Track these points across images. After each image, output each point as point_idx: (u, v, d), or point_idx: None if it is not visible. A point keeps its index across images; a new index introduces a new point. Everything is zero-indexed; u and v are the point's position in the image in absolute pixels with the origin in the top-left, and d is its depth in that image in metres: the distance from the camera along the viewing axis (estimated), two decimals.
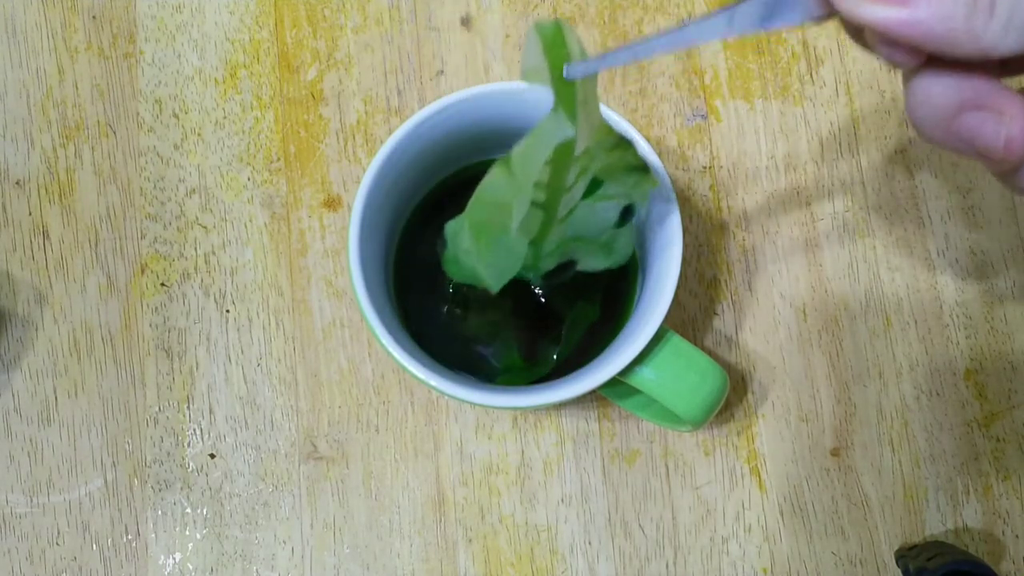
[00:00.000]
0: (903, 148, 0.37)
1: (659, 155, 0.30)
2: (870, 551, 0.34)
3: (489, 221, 0.26)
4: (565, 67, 0.22)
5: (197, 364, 0.35)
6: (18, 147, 0.37)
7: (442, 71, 0.38)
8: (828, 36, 0.38)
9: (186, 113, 0.37)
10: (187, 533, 0.34)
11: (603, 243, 0.29)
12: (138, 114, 0.37)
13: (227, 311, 0.36)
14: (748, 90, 0.38)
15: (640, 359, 0.28)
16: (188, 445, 0.35)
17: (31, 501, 0.34)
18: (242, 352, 0.35)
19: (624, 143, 0.25)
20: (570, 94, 0.22)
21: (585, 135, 0.23)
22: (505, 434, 0.35)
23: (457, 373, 0.30)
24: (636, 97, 0.37)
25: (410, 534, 0.34)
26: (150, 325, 0.36)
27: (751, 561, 0.34)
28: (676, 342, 0.29)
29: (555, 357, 0.32)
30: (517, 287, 0.33)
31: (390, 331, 0.28)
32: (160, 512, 0.34)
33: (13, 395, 0.35)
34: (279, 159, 0.37)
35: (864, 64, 0.38)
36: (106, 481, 0.35)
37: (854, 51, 0.38)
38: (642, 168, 0.26)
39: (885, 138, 0.37)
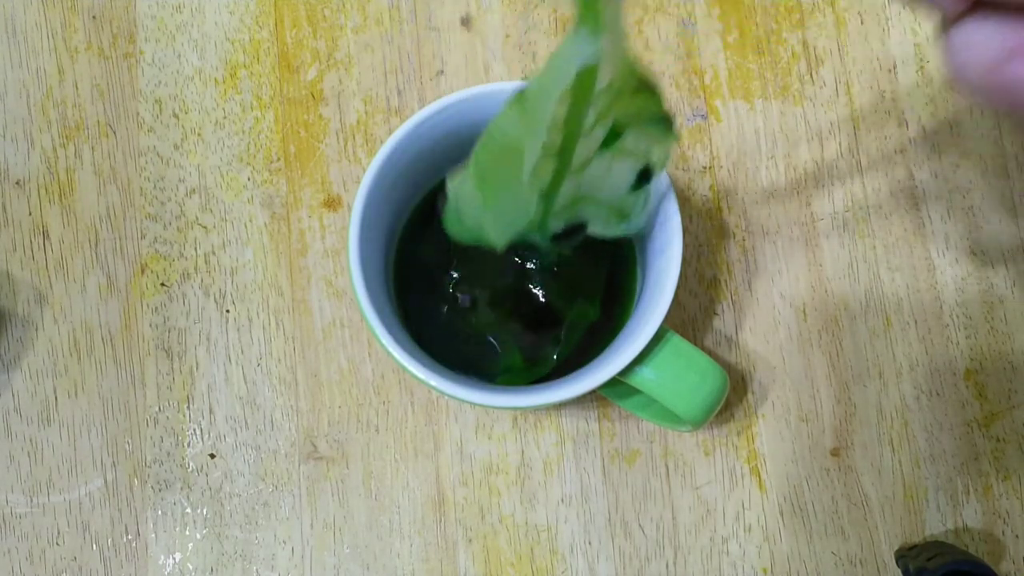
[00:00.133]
0: (903, 148, 0.37)
1: None
2: (870, 551, 0.34)
3: (497, 167, 0.24)
4: None
5: (197, 364, 0.35)
6: (18, 147, 0.37)
7: (442, 71, 0.38)
8: (828, 36, 0.38)
9: (186, 113, 0.37)
10: (187, 533, 0.34)
11: (617, 207, 0.27)
12: (138, 114, 0.37)
13: (227, 311, 0.36)
14: (748, 90, 0.38)
15: (640, 359, 0.28)
16: (188, 445, 0.35)
17: (31, 501, 0.34)
18: (242, 352, 0.35)
19: (649, 87, 0.23)
20: (595, 4, 0.19)
21: (610, 61, 0.21)
22: (505, 434, 0.35)
23: (457, 373, 0.30)
24: None
25: (410, 534, 0.34)
26: (150, 325, 0.36)
27: (751, 561, 0.34)
28: (676, 342, 0.29)
29: (555, 357, 0.32)
30: (517, 292, 0.33)
31: (390, 331, 0.28)
32: (160, 512, 0.34)
33: (13, 395, 0.35)
34: (279, 159, 0.37)
35: (864, 64, 0.38)
36: (106, 481, 0.35)
37: (854, 51, 0.38)
38: (665, 120, 0.24)
39: (885, 138, 0.37)
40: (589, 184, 0.25)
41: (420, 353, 0.29)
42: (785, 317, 0.36)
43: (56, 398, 0.35)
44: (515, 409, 0.34)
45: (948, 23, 0.19)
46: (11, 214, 0.37)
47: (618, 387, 0.31)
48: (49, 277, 0.36)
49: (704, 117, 0.37)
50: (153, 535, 0.34)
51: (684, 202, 0.36)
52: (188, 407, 0.35)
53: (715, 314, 0.36)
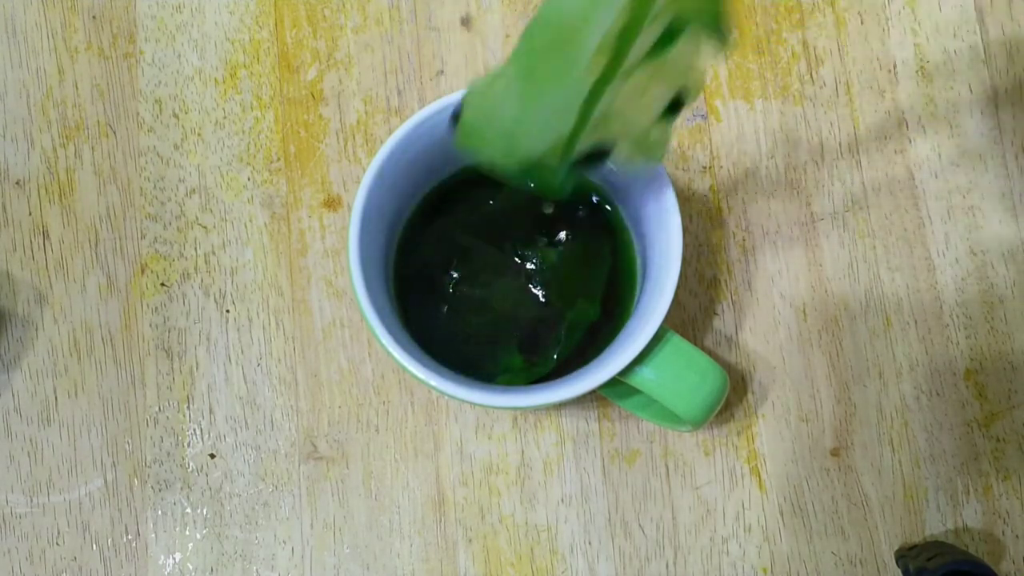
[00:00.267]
0: (903, 148, 0.37)
1: None
2: (870, 551, 0.34)
3: (548, 55, 0.22)
4: None
5: (197, 364, 0.35)
6: (18, 147, 0.37)
7: (442, 71, 0.38)
8: (828, 36, 0.38)
9: (186, 113, 0.37)
10: (187, 533, 0.34)
11: (642, 135, 0.26)
12: (138, 114, 0.37)
13: (227, 311, 0.36)
14: (748, 90, 0.38)
15: (640, 359, 0.28)
16: (188, 445, 0.35)
17: (31, 501, 0.34)
18: (242, 352, 0.35)
19: None
20: None
21: None
22: (505, 434, 0.35)
23: (457, 373, 0.30)
24: None
25: (410, 534, 0.34)
26: (150, 325, 0.36)
27: (751, 561, 0.34)
28: (676, 342, 0.29)
29: (555, 357, 0.32)
30: (517, 292, 0.33)
31: (390, 331, 0.28)
32: (160, 512, 0.34)
33: (13, 395, 0.35)
34: (279, 159, 0.37)
35: (864, 64, 0.38)
36: (106, 481, 0.35)
37: (854, 51, 0.38)
38: (723, 23, 0.23)
39: (885, 138, 0.37)
40: (624, 101, 0.24)
41: (420, 353, 0.29)
42: (785, 317, 0.36)
43: (56, 398, 0.35)
44: (515, 409, 0.34)
45: None
46: (11, 214, 0.37)
47: (618, 387, 0.31)
48: (49, 277, 0.36)
49: (704, 117, 0.37)
50: (153, 535, 0.34)
51: (684, 202, 0.36)
52: (188, 407, 0.35)
53: (715, 314, 0.36)
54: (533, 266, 0.33)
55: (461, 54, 0.38)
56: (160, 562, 0.34)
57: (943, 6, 0.38)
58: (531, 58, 0.22)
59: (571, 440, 0.35)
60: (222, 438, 0.35)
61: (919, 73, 0.38)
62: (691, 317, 0.36)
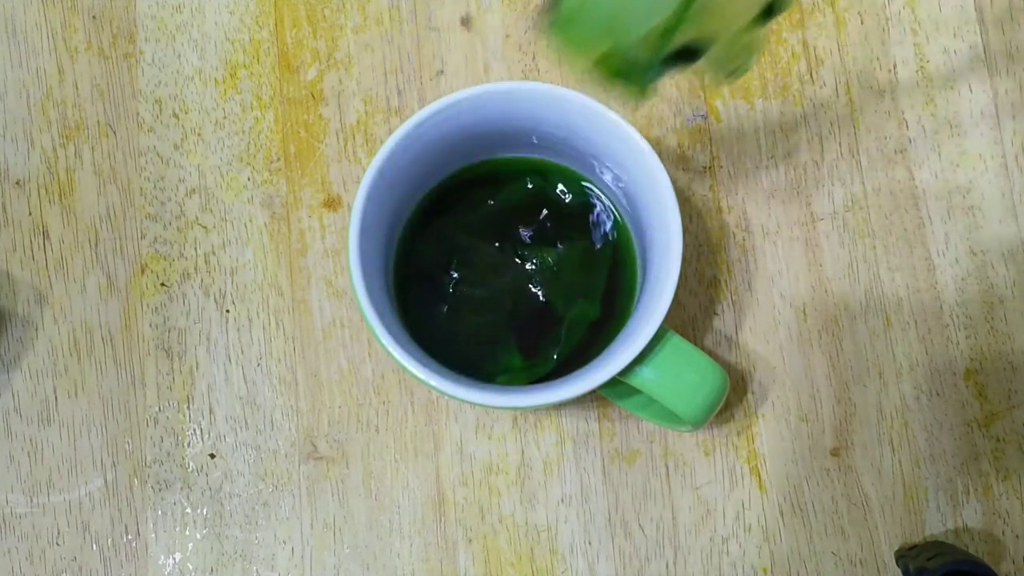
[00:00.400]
0: (903, 148, 0.37)
1: (659, 155, 0.30)
2: (870, 551, 0.34)
3: None
4: None
5: (197, 364, 0.35)
6: (18, 147, 0.37)
7: (442, 71, 0.38)
8: (828, 36, 0.38)
9: (186, 113, 0.37)
10: (187, 533, 0.34)
11: (735, 38, 0.26)
12: (138, 114, 0.37)
13: (227, 311, 0.36)
14: (748, 90, 0.38)
15: (640, 359, 0.28)
16: (188, 445, 0.35)
17: (31, 501, 0.34)
18: (242, 352, 0.35)
19: None
20: None
21: None
22: (505, 434, 0.35)
23: (457, 373, 0.30)
24: None
25: (410, 534, 0.34)
26: (150, 325, 0.36)
27: (751, 561, 0.34)
28: (676, 342, 0.29)
29: (555, 357, 0.32)
30: (517, 292, 0.33)
31: (390, 331, 0.28)
32: (160, 512, 0.34)
33: (13, 395, 0.35)
34: (279, 159, 0.37)
35: (864, 64, 0.38)
36: (106, 481, 0.35)
37: (854, 51, 0.38)
38: None
39: (885, 138, 0.37)
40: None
41: (420, 353, 0.29)
42: (785, 317, 0.36)
43: (56, 398, 0.35)
44: (515, 409, 0.34)
45: None
46: (11, 214, 0.37)
47: (618, 387, 0.31)
48: (49, 277, 0.36)
49: (704, 117, 0.37)
50: (153, 535, 0.34)
51: (684, 202, 0.36)
52: (188, 407, 0.35)
53: (715, 314, 0.36)
54: (533, 266, 0.33)
55: (461, 54, 0.38)
56: (160, 562, 0.34)
57: (943, 6, 0.38)
58: None
59: (571, 440, 0.35)
60: (222, 438, 0.35)
61: (919, 73, 0.38)
62: (691, 317, 0.36)
